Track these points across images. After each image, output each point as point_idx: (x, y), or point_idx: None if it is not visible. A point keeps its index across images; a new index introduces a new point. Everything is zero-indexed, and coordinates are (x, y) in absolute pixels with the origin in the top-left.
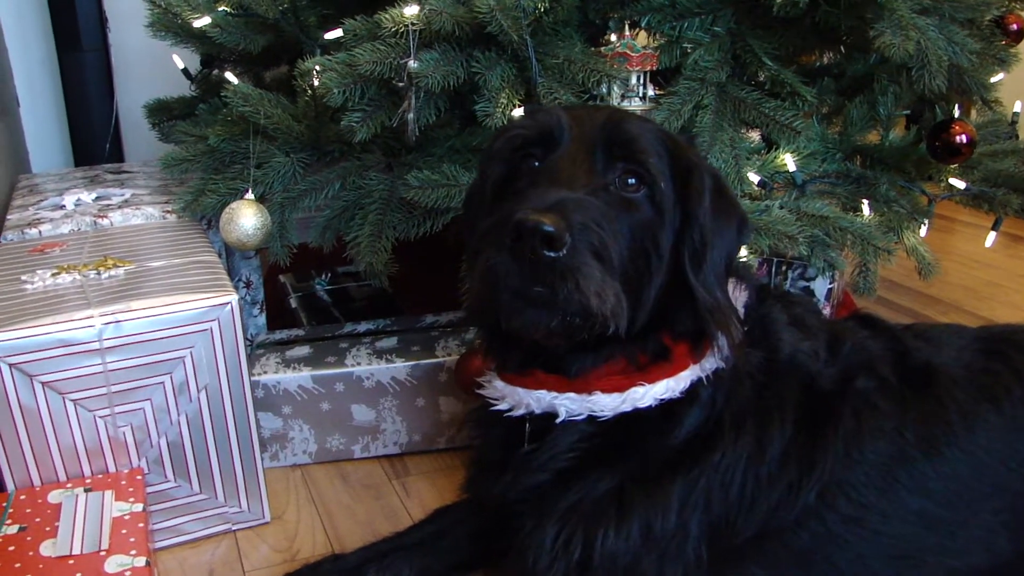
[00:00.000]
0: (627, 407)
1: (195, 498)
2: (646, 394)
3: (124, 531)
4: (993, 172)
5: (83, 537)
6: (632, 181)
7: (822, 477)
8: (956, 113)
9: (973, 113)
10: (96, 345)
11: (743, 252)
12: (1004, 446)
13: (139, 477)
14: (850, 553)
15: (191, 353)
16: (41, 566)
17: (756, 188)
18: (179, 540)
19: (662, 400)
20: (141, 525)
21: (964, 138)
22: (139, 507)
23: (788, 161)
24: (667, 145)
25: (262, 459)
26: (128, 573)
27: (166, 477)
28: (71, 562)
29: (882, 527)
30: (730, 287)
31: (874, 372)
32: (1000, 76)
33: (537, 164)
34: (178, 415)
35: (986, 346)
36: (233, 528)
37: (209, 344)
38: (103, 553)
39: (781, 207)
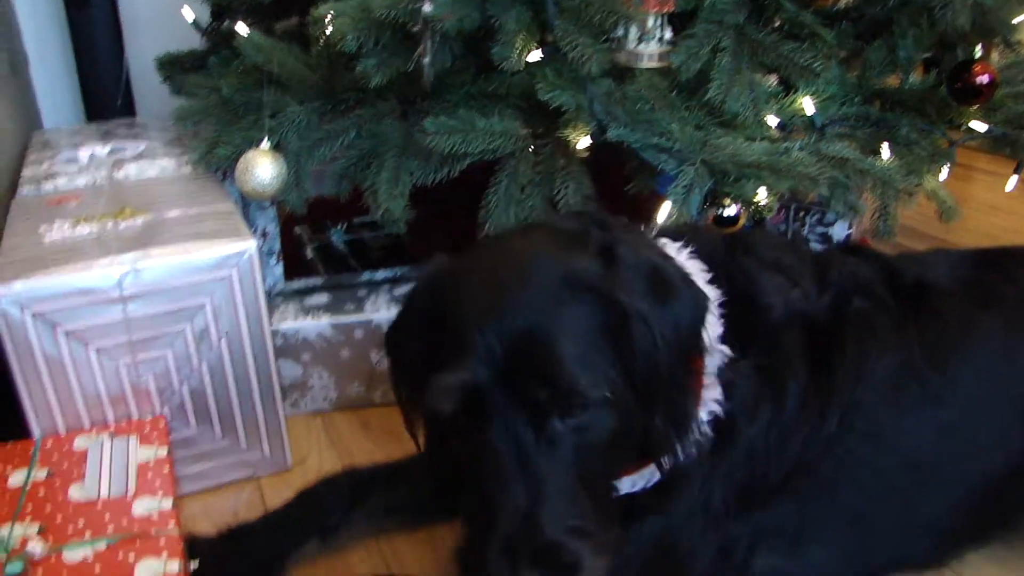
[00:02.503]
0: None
1: (218, 445)
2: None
3: (149, 475)
4: (1015, 114)
5: (110, 481)
6: (577, 410)
7: (841, 404)
8: (978, 54)
9: (995, 55)
10: (116, 294)
11: (762, 194)
12: (1005, 348)
13: (162, 424)
14: (870, 469)
15: (211, 300)
16: (71, 509)
17: (775, 132)
18: (203, 486)
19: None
20: (166, 469)
21: (986, 79)
22: (163, 452)
23: (807, 104)
24: (593, 313)
25: (283, 406)
26: (155, 515)
27: (188, 424)
28: (99, 505)
29: (897, 439)
30: (683, 256)
31: (868, 293)
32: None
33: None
34: (199, 363)
35: (976, 260)
36: (256, 474)
37: (229, 291)
38: (130, 496)
39: (801, 149)
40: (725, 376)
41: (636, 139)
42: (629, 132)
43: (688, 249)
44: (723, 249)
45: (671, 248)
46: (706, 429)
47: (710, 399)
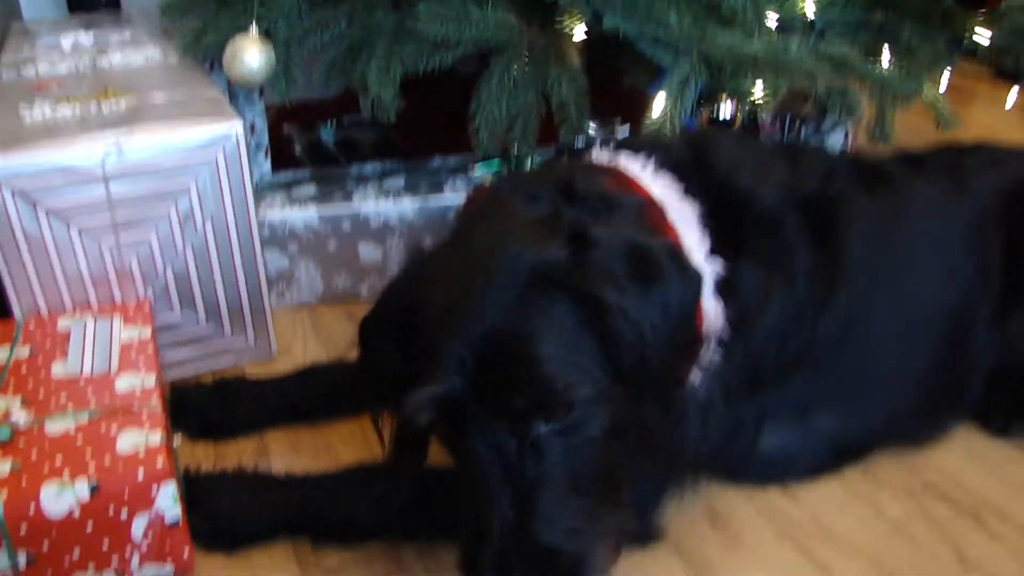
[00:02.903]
0: None
1: (202, 331)
2: None
3: (133, 354)
4: (1020, 25)
5: (93, 359)
6: (559, 413)
7: (847, 275)
8: None
9: None
10: (99, 172)
11: (759, 90)
12: (939, 201)
13: (147, 307)
14: (868, 323)
15: (196, 182)
16: (53, 385)
17: (774, 32)
18: (186, 373)
19: None
20: (150, 349)
21: None
22: (147, 332)
23: (808, 5)
24: (568, 310)
25: (269, 296)
26: (138, 391)
27: (172, 308)
28: (82, 382)
29: (888, 288)
30: (649, 173)
31: (841, 174)
32: None
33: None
34: (184, 246)
35: (909, 155)
36: (240, 362)
37: (214, 174)
38: (113, 373)
39: (799, 48)
40: (723, 288)
41: (632, 29)
42: (625, 21)
43: (653, 162)
44: (689, 154)
45: (635, 166)
46: (714, 355)
47: (712, 321)
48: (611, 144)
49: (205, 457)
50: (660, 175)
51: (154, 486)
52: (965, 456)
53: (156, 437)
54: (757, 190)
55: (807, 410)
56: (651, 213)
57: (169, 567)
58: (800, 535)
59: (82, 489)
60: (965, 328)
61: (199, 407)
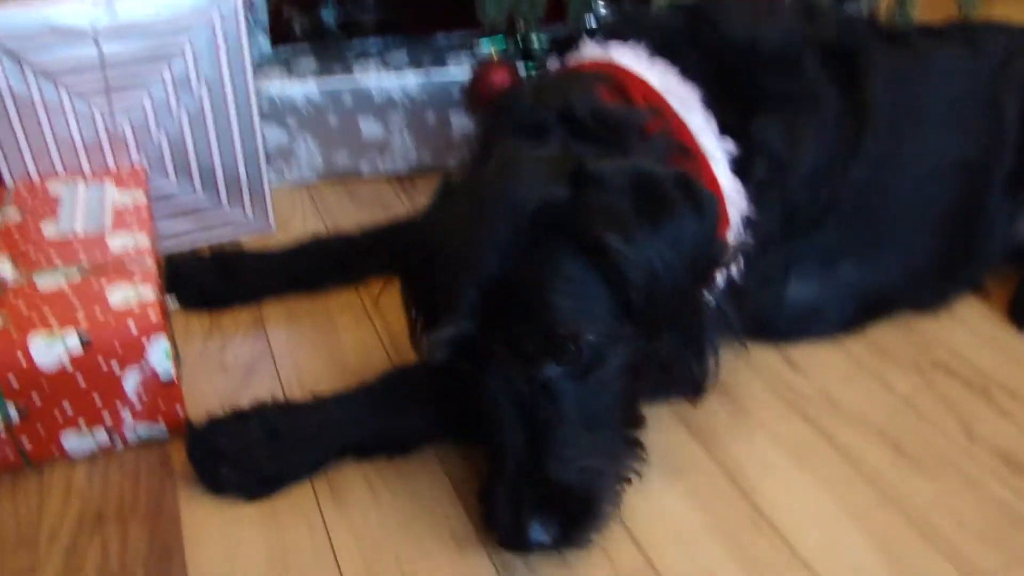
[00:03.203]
0: None
1: (198, 201)
2: None
3: (127, 216)
4: None
5: (85, 220)
6: (568, 355)
7: (873, 119)
8: None
9: None
10: (89, 31)
11: None
12: (957, 60)
13: (141, 173)
14: (890, 174)
15: (191, 44)
16: (45, 245)
17: None
18: (182, 244)
19: None
20: (144, 214)
21: None
22: (141, 196)
23: None
24: (571, 252)
25: (268, 172)
26: (131, 251)
27: (167, 176)
28: (73, 242)
29: (908, 141)
30: (644, 61)
31: (861, 27)
32: None
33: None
34: (179, 110)
35: (922, 26)
36: (237, 235)
37: (210, 35)
38: (105, 234)
39: None
40: (741, 165)
41: None
42: None
43: (646, 48)
44: (684, 26)
45: (628, 57)
46: (744, 240)
47: (735, 202)
48: (601, 33)
49: (201, 327)
50: (655, 61)
51: (146, 339)
52: (973, 335)
53: (148, 291)
54: (762, 35)
55: (832, 261)
56: (655, 124)
57: (161, 426)
58: (806, 406)
59: (72, 340)
60: (980, 188)
61: (196, 277)
